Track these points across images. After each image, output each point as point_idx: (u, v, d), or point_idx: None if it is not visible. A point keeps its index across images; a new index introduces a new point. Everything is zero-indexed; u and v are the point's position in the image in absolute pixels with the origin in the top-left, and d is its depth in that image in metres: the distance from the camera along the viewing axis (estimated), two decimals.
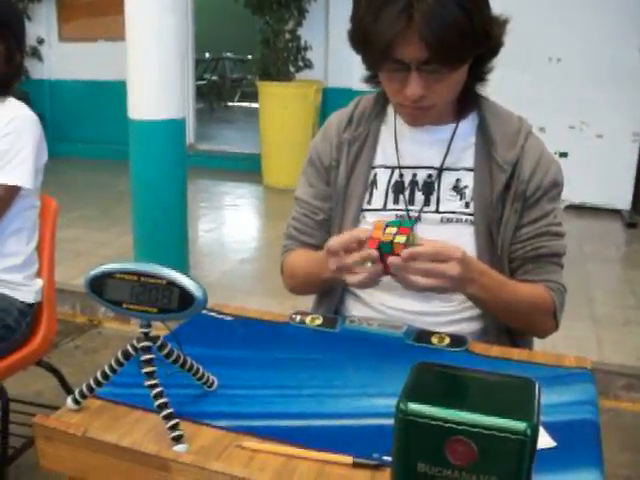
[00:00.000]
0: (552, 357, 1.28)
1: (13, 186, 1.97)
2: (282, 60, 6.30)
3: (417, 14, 1.22)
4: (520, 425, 0.76)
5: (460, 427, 0.77)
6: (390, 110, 1.52)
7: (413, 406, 0.79)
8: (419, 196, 1.46)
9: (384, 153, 1.51)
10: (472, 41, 1.27)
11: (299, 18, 6.33)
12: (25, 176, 1.98)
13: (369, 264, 1.25)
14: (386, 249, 1.22)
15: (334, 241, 1.28)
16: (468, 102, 1.45)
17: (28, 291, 2.06)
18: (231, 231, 5.58)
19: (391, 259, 1.21)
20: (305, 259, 1.54)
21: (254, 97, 7.18)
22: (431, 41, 1.23)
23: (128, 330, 3.58)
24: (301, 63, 6.38)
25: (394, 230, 1.23)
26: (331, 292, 1.54)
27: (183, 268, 3.86)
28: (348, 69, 5.89)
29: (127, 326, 3.64)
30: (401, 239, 1.21)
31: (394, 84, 1.35)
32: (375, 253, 1.22)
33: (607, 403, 3.00)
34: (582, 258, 4.54)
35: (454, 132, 1.45)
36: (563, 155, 5.52)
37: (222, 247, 5.02)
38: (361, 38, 1.33)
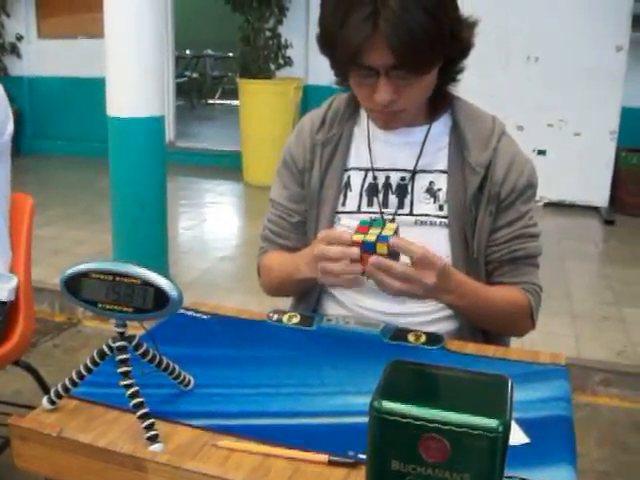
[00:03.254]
0: (527, 353, 1.29)
1: None
2: (262, 58, 6.30)
3: (382, 20, 1.20)
4: (492, 422, 0.76)
5: (433, 425, 0.77)
6: (363, 111, 1.50)
7: (387, 404, 0.79)
8: (393, 199, 1.45)
9: (357, 155, 1.50)
10: (439, 45, 1.25)
11: (279, 16, 6.33)
12: None
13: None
14: (369, 248, 1.22)
15: (320, 247, 1.27)
16: (441, 103, 1.45)
17: (1, 288, 2.03)
18: (211, 229, 5.56)
19: (372, 258, 1.21)
20: (281, 261, 1.53)
21: (235, 94, 7.17)
22: (397, 47, 1.21)
23: (108, 328, 3.54)
24: (281, 61, 6.38)
25: (378, 231, 1.23)
26: (308, 293, 1.54)
27: (162, 266, 3.85)
28: (328, 67, 5.88)
29: (107, 325, 3.62)
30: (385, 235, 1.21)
31: (364, 89, 1.34)
32: (356, 251, 1.22)
33: (584, 398, 3.04)
34: (560, 255, 4.58)
35: (427, 134, 1.44)
36: (541, 153, 5.55)
37: (202, 244, 5.01)
38: (328, 43, 1.31)
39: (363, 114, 1.51)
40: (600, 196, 5.69)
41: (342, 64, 1.33)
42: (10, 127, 2.00)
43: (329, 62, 1.37)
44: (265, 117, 6.22)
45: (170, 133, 7.21)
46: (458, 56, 1.36)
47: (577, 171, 5.63)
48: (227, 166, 6.99)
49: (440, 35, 1.24)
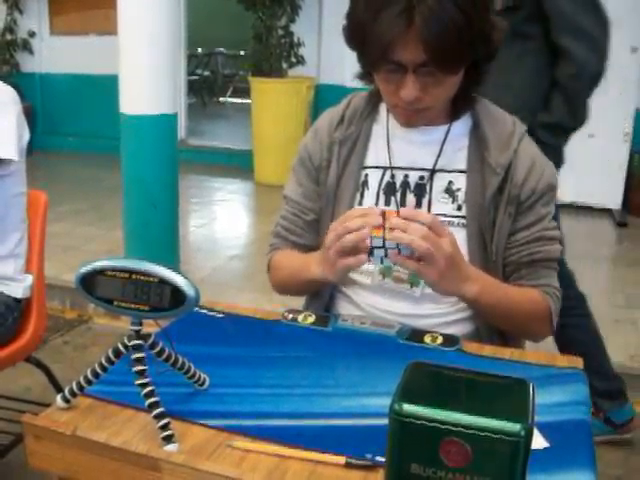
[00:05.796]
0: (544, 357, 1.28)
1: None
2: (275, 56, 6.29)
3: (418, 16, 1.20)
4: (514, 426, 0.75)
5: (454, 428, 0.76)
6: (382, 109, 1.49)
7: (407, 407, 0.78)
8: (411, 198, 1.44)
9: (376, 153, 1.49)
10: (470, 45, 1.25)
11: (292, 14, 6.32)
12: (11, 148, 1.88)
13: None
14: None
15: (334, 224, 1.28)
16: (463, 104, 1.43)
17: (17, 286, 2.03)
18: (222, 227, 5.56)
19: (393, 219, 1.19)
20: (293, 259, 1.52)
21: (246, 93, 7.17)
22: (430, 43, 1.21)
23: (118, 326, 3.55)
24: (294, 59, 6.37)
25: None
26: (320, 292, 1.52)
27: (173, 264, 3.85)
28: (341, 65, 5.90)
29: (117, 322, 3.62)
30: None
31: (390, 85, 1.33)
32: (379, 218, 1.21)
33: None
34: (573, 257, 4.54)
35: (447, 133, 1.43)
36: None
37: (213, 243, 5.01)
38: (359, 37, 1.30)
39: (382, 112, 1.50)
40: (613, 198, 5.67)
41: (372, 59, 1.31)
42: (26, 136, 2.01)
43: (357, 56, 1.36)
44: (277, 116, 6.22)
45: (181, 131, 7.21)
46: (485, 58, 1.35)
47: (590, 173, 5.59)
48: (238, 165, 6.98)
49: (472, 35, 1.24)
